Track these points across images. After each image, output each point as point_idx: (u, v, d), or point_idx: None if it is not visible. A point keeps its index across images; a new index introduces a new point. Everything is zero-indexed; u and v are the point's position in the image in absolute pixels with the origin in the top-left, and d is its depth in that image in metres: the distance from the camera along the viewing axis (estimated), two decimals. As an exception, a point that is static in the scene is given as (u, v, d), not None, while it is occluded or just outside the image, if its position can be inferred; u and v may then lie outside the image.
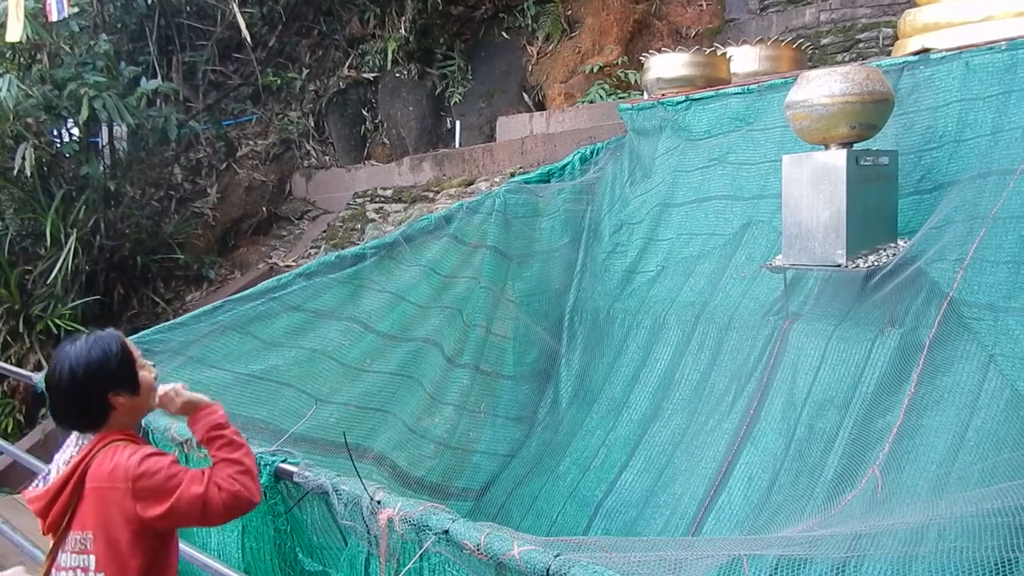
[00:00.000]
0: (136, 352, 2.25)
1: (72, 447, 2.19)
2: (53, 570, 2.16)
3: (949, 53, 4.08)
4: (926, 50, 4.23)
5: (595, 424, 4.94)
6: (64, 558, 2.13)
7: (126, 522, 2.07)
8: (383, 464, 4.70)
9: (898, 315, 3.75)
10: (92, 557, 2.09)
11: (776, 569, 2.97)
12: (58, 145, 8.55)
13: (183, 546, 2.76)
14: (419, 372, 5.01)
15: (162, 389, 2.30)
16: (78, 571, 2.10)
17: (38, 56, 8.19)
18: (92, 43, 8.39)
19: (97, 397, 2.15)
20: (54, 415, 2.21)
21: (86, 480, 2.10)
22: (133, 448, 2.14)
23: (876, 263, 3.81)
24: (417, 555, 2.15)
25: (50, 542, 2.19)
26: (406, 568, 2.18)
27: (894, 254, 3.84)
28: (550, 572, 1.79)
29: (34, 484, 2.23)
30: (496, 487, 5.03)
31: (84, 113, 7.66)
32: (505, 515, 4.83)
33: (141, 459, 2.09)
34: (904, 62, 4.27)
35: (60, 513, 2.12)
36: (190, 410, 2.32)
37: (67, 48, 8.27)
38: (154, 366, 2.34)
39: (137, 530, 2.08)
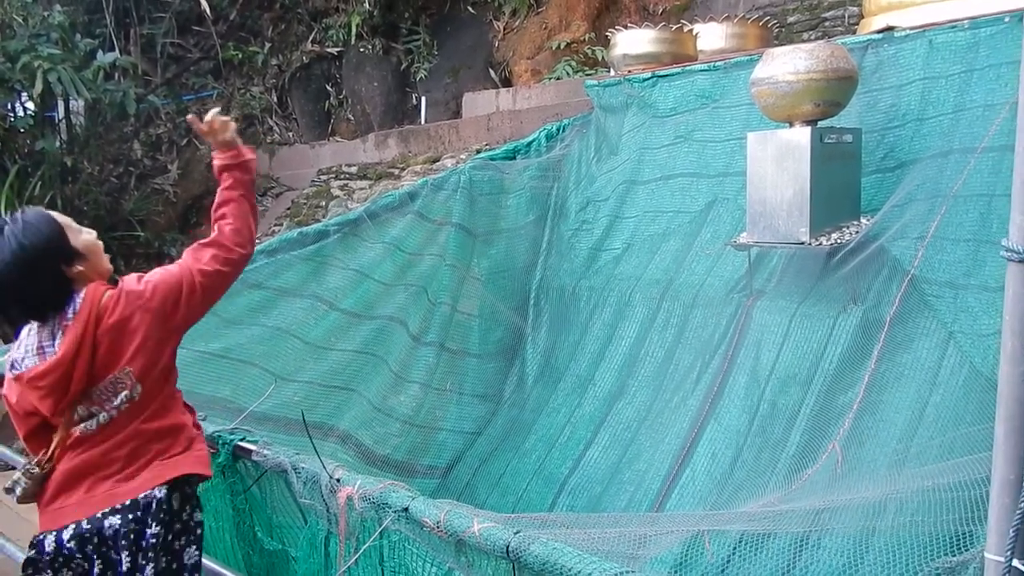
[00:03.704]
0: (65, 219, 2.25)
1: (40, 331, 2.19)
2: (84, 424, 2.18)
3: (913, 31, 4.09)
4: (890, 28, 4.24)
5: (561, 401, 4.94)
6: (104, 405, 2.18)
7: (153, 332, 2.19)
8: (348, 442, 4.66)
9: (860, 292, 3.78)
10: (138, 386, 2.19)
11: (738, 544, 3.00)
12: (12, 120, 8.35)
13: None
14: (384, 350, 4.96)
15: (216, 117, 2.45)
16: (124, 403, 2.18)
17: (-10, 27, 7.97)
18: (46, 14, 8.18)
19: (54, 276, 2.16)
20: (9, 311, 2.19)
21: (99, 328, 2.14)
22: (127, 278, 2.26)
23: (839, 241, 3.83)
24: (376, 533, 2.13)
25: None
26: (365, 546, 2.16)
27: (857, 232, 3.85)
28: (510, 549, 1.78)
29: (10, 368, 2.21)
30: (462, 465, 5.02)
31: (38, 87, 7.47)
32: (471, 492, 4.82)
33: (140, 277, 2.25)
34: (868, 40, 4.27)
35: (83, 374, 2.14)
36: (231, 145, 2.49)
37: (20, 19, 8.04)
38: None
39: (163, 333, 2.23)
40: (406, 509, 2.05)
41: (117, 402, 2.18)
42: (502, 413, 5.20)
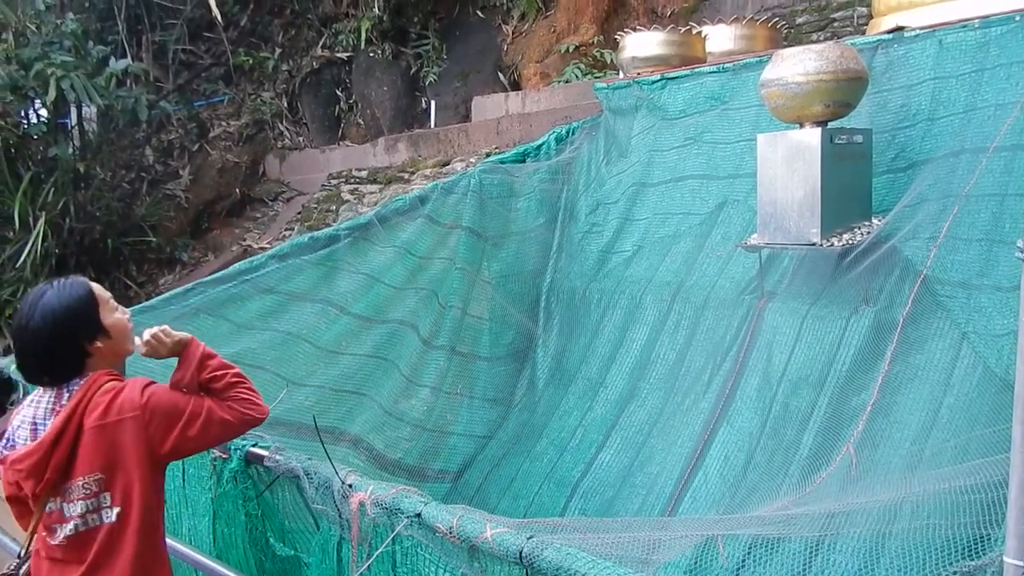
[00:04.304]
0: (106, 295, 2.22)
1: (45, 402, 2.15)
2: (54, 526, 2.12)
3: (923, 31, 4.07)
4: (900, 28, 4.22)
5: (572, 405, 4.93)
6: (70, 508, 2.10)
7: (137, 453, 2.07)
8: (359, 447, 4.67)
9: (872, 293, 3.76)
10: (107, 495, 2.08)
11: (751, 548, 2.98)
12: (25, 126, 8.41)
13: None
14: (395, 354, 4.97)
15: (147, 334, 2.26)
16: (89, 515, 2.09)
17: (3, 35, 8.01)
18: (59, 22, 8.23)
19: (71, 346, 2.13)
20: (24, 368, 2.17)
21: (84, 423, 2.07)
22: (131, 381, 2.15)
23: (850, 241, 3.81)
24: (389, 539, 2.13)
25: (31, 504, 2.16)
26: (378, 552, 2.16)
27: (868, 232, 3.84)
28: (523, 555, 1.77)
29: (3, 445, 2.19)
30: (473, 469, 5.01)
31: (52, 94, 7.52)
32: (482, 497, 4.82)
33: (144, 387, 2.12)
34: (878, 40, 4.25)
35: (60, 463, 2.07)
36: (179, 350, 2.29)
37: (33, 27, 8.10)
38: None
39: (148, 462, 2.10)
40: (418, 514, 2.05)
41: (78, 509, 2.08)
42: (513, 417, 5.20)
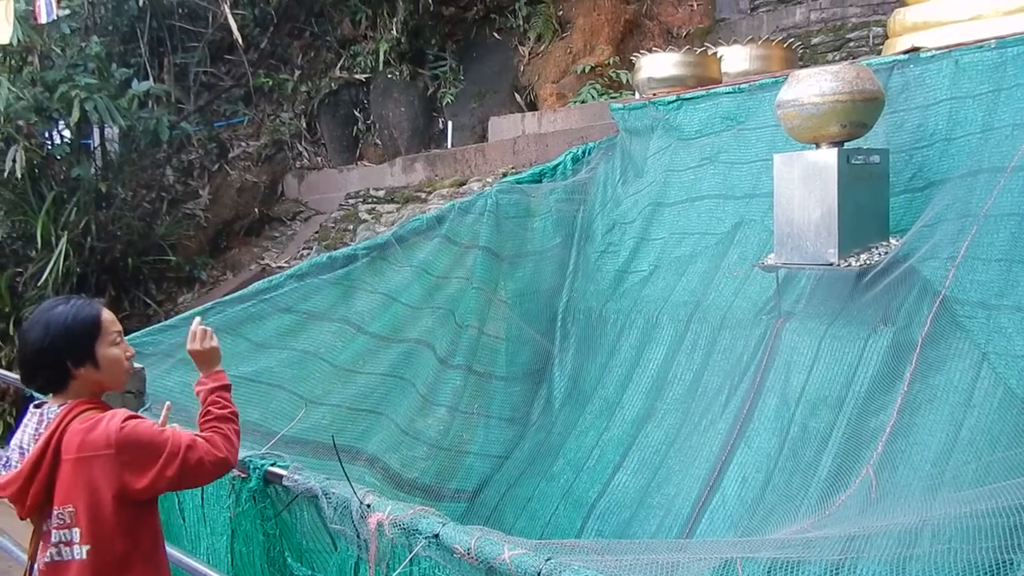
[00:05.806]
0: (113, 328, 2.23)
1: (31, 427, 2.18)
2: (40, 547, 2.14)
3: (939, 52, 4.07)
4: (916, 49, 4.23)
5: (588, 424, 4.92)
6: (52, 535, 2.11)
7: (109, 491, 2.06)
8: (376, 466, 4.67)
9: (891, 313, 3.74)
10: (76, 530, 2.07)
11: (770, 571, 2.96)
12: (49, 147, 8.52)
13: (171, 550, 2.74)
14: (412, 373, 4.98)
15: (196, 326, 2.42)
16: (62, 546, 2.09)
17: (29, 58, 8.14)
18: (83, 45, 8.36)
19: (57, 363, 2.15)
20: (21, 372, 2.22)
21: (61, 453, 2.08)
22: (109, 414, 2.13)
23: (868, 261, 3.80)
24: (407, 559, 2.13)
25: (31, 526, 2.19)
26: (396, 572, 2.16)
27: (886, 252, 3.83)
28: (541, 576, 1.78)
29: (3, 466, 2.23)
30: (489, 488, 5.00)
31: (75, 115, 7.62)
32: (498, 517, 4.81)
33: (121, 423, 2.08)
34: (894, 61, 4.26)
35: (39, 492, 2.10)
36: (208, 360, 2.42)
37: (58, 50, 8.23)
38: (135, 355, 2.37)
39: (120, 499, 2.07)
40: (437, 535, 2.05)
41: (53, 538, 2.09)
42: (529, 436, 5.19)
